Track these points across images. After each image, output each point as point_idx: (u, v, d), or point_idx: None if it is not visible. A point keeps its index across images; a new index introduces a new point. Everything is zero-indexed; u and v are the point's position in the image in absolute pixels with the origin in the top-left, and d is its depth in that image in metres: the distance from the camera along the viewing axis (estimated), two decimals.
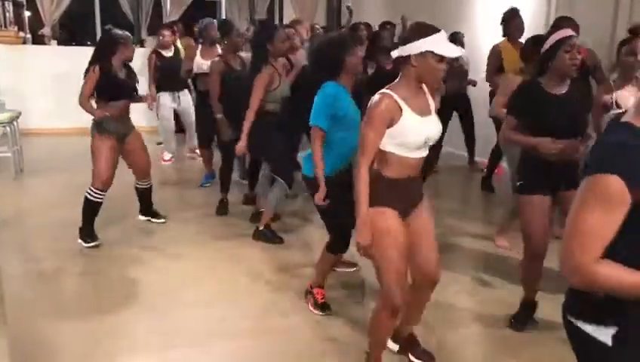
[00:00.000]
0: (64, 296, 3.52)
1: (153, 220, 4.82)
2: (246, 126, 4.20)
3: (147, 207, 4.85)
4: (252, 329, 3.17)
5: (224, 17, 10.08)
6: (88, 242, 4.20)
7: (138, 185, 4.69)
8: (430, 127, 2.43)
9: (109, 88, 4.13)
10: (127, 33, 4.25)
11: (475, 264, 4.20)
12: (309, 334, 3.13)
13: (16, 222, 4.79)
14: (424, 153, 2.47)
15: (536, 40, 4.36)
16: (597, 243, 1.30)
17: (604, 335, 1.38)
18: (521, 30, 5.18)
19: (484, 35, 6.46)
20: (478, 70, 5.64)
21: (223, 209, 5.15)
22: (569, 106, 2.93)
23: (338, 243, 3.26)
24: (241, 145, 4.27)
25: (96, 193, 4.18)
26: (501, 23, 5.33)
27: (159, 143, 7.61)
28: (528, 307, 3.23)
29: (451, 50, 2.34)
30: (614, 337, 1.37)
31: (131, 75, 4.32)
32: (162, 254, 4.16)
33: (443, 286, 3.65)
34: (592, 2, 5.39)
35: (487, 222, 5.00)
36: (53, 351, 2.89)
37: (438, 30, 2.32)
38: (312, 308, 3.34)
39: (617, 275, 1.31)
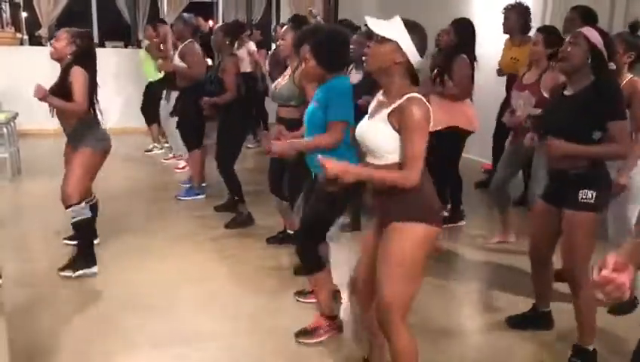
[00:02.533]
0: (60, 297, 3.51)
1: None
2: None
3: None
4: (247, 329, 3.16)
5: (221, 17, 10.10)
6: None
7: None
8: (361, 128, 2.28)
9: None
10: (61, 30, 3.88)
11: (476, 267, 4.19)
12: None
13: (13, 223, 4.77)
14: (373, 161, 2.21)
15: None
16: None
17: None
18: (512, 27, 5.15)
19: (484, 33, 6.40)
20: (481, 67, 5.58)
21: (248, 220, 4.83)
22: (563, 109, 2.68)
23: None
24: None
25: None
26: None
27: (147, 151, 7.56)
28: (532, 310, 3.13)
29: None
30: None
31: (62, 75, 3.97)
32: (159, 254, 4.15)
33: (444, 289, 3.67)
34: None
35: (483, 223, 4.99)
36: (49, 350, 2.89)
37: None
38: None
39: None
